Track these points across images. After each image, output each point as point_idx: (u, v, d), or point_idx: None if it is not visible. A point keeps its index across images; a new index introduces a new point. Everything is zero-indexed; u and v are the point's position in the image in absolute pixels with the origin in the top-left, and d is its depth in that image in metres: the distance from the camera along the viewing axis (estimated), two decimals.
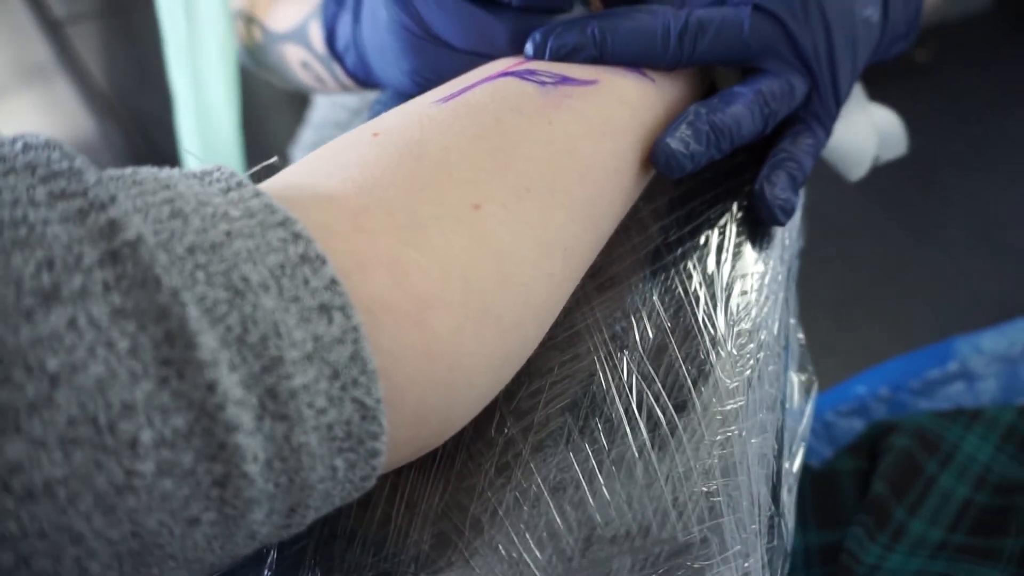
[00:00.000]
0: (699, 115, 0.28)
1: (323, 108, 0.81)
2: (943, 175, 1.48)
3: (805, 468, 0.45)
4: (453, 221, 0.21)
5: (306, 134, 0.82)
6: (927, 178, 1.47)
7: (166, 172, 0.18)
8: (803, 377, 0.30)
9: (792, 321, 0.30)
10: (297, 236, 0.17)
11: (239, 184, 0.18)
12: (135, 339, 0.14)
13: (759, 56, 0.30)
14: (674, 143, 0.27)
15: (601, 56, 0.29)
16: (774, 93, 0.30)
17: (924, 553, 0.34)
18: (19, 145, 0.16)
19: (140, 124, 1.29)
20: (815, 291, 1.31)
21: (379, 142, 0.22)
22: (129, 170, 0.18)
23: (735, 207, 0.31)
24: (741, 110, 0.29)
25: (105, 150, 1.29)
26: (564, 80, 0.27)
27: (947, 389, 0.48)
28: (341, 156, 0.22)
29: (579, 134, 0.25)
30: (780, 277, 0.29)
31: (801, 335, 0.32)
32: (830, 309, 1.29)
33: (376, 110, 0.39)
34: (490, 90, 0.25)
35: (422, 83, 0.33)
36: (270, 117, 1.28)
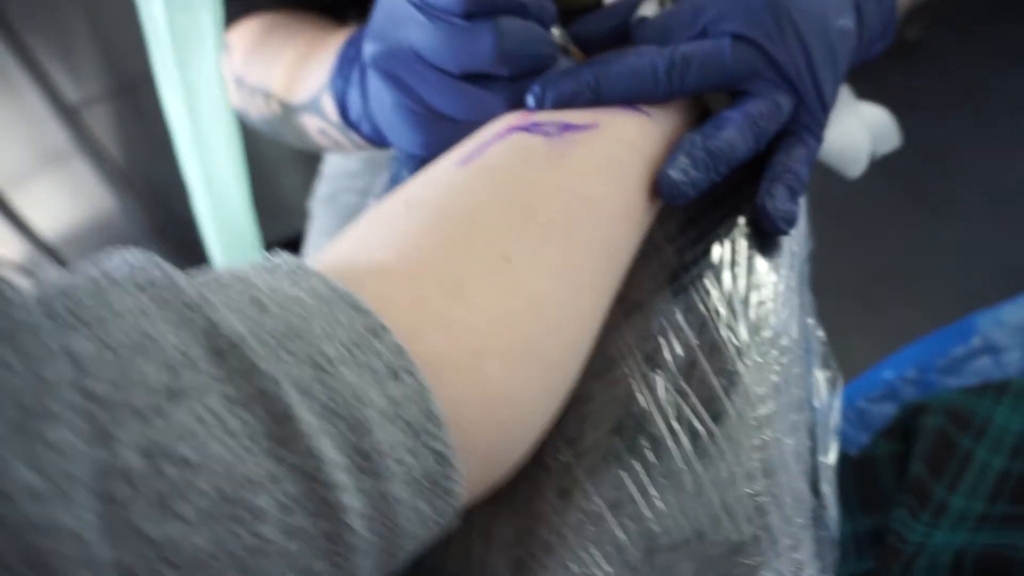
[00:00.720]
0: (694, 143, 0.30)
1: (335, 159, 0.84)
2: (949, 148, 1.48)
3: (844, 457, 0.46)
4: (489, 275, 0.23)
5: (322, 187, 0.85)
6: (934, 153, 1.47)
7: (241, 268, 0.20)
8: (828, 374, 0.32)
9: (810, 321, 0.32)
10: (360, 309, 0.19)
11: (301, 268, 0.21)
12: (247, 423, 0.16)
13: (744, 80, 0.32)
14: (675, 173, 0.29)
15: (597, 99, 0.31)
16: (762, 113, 0.32)
17: (967, 526, 0.35)
18: (124, 266, 0.18)
19: (157, 194, 1.34)
20: (839, 277, 1.32)
21: (413, 213, 0.25)
22: (210, 272, 0.20)
23: (742, 221, 0.33)
24: (733, 134, 0.31)
25: (126, 222, 1.34)
26: (566, 128, 0.29)
27: (973, 364, 0.49)
28: (382, 229, 0.25)
29: (587, 177, 0.27)
30: (793, 283, 0.31)
31: (821, 333, 0.34)
32: (856, 293, 1.30)
33: (396, 168, 0.41)
34: (502, 148, 0.28)
35: (434, 151, 0.36)
36: (279, 173, 1.32)
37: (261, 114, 0.54)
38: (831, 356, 0.33)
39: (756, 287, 0.30)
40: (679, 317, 0.29)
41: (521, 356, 0.22)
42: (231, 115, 0.52)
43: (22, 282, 0.17)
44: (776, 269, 0.31)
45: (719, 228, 0.33)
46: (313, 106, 0.46)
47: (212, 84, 0.49)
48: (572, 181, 0.27)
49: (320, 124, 0.47)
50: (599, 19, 0.36)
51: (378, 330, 0.19)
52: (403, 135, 0.36)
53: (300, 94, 0.47)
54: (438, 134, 0.35)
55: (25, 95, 1.10)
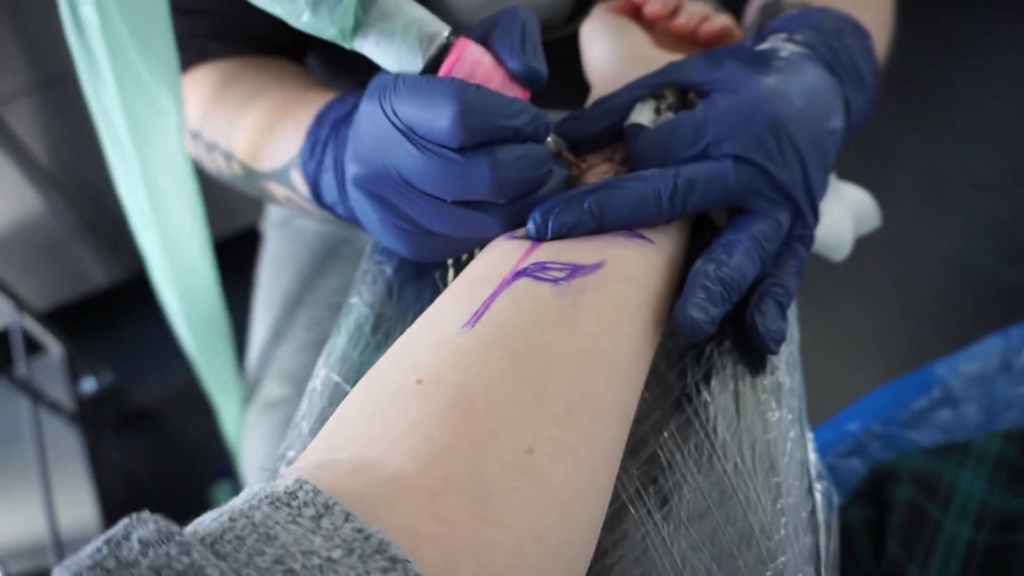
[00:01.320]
0: (707, 275, 0.30)
1: None
2: (882, 138, 1.53)
3: None
4: (514, 475, 0.22)
5: (274, 209, 0.81)
6: (868, 144, 1.51)
7: (261, 513, 0.19)
8: (822, 486, 0.33)
9: (809, 436, 0.33)
10: (395, 561, 0.18)
11: (326, 507, 0.19)
12: None
13: (744, 198, 0.32)
14: (695, 312, 0.29)
15: (600, 227, 0.30)
16: (767, 234, 0.32)
17: None
18: (136, 544, 0.17)
19: (86, 192, 1.26)
20: None
21: (425, 392, 0.23)
22: (227, 522, 0.19)
23: (735, 339, 0.33)
24: (743, 259, 0.31)
25: (55, 222, 1.26)
26: (574, 271, 0.28)
27: (935, 417, 0.51)
28: (391, 414, 0.23)
29: (600, 332, 0.27)
30: (794, 406, 0.31)
31: (814, 457, 0.34)
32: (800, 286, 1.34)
33: (377, 260, 0.40)
34: (510, 303, 0.27)
35: (423, 259, 0.34)
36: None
37: (220, 170, 0.50)
38: (824, 472, 0.34)
39: (761, 415, 0.30)
40: (691, 464, 0.29)
41: (549, 563, 0.22)
42: (196, 194, 0.49)
43: None
44: (777, 395, 0.31)
45: (719, 348, 0.32)
46: (280, 177, 0.43)
47: (175, 167, 0.45)
48: (585, 340, 0.26)
49: (286, 192, 0.44)
50: (590, 120, 0.35)
51: None
52: (391, 244, 0.34)
53: (266, 163, 0.44)
54: (428, 246, 0.33)
55: None
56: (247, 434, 0.70)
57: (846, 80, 0.36)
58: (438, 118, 0.27)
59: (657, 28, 0.45)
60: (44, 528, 0.96)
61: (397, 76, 0.29)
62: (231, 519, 0.19)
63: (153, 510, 0.18)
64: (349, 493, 0.20)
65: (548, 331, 0.26)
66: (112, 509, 1.02)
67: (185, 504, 1.13)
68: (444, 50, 0.29)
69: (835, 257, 0.40)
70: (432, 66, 0.29)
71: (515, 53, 0.30)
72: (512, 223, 0.31)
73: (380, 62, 0.30)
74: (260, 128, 0.44)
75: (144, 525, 0.17)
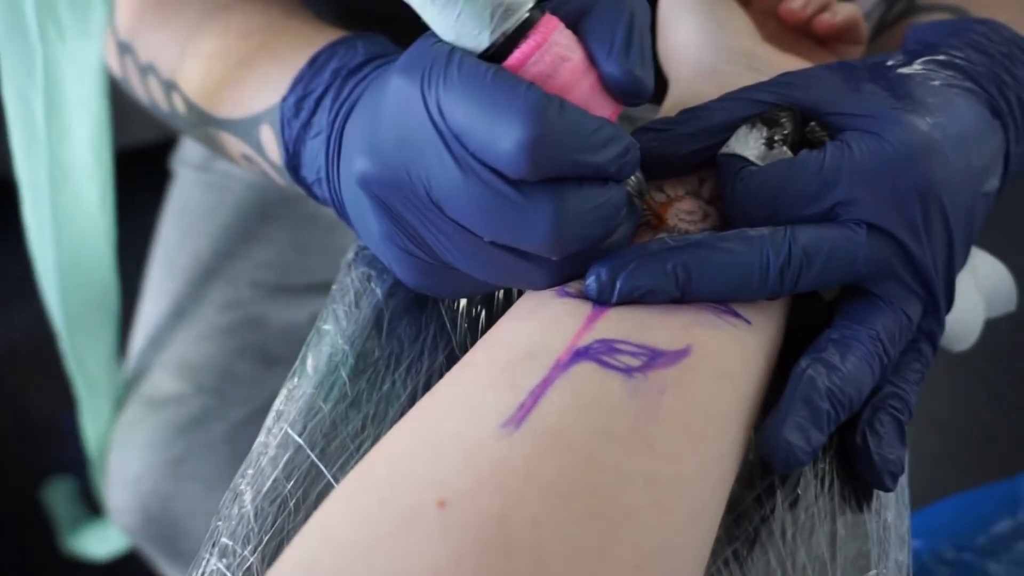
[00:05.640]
0: (814, 384, 0.28)
1: None
2: None
3: None
4: None
5: (191, 143, 0.76)
6: None
7: None
8: None
9: None
10: None
11: None
12: None
13: (872, 280, 0.30)
14: (794, 436, 0.27)
15: (683, 297, 0.28)
16: (892, 335, 0.30)
17: None
18: None
19: None
20: None
21: (449, 522, 0.21)
22: None
23: (832, 461, 0.31)
24: (859, 367, 0.29)
25: None
26: (652, 358, 0.26)
27: (1019, 547, 0.51)
28: (400, 547, 0.21)
29: (684, 453, 0.24)
30: (902, 560, 0.30)
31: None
32: None
33: (362, 271, 0.37)
34: (569, 398, 0.24)
35: (431, 292, 0.33)
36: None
37: (153, 101, 0.47)
38: None
39: (862, 572, 0.29)
40: None
41: None
42: (106, 119, 0.46)
43: None
44: (883, 545, 0.30)
45: (813, 469, 0.31)
46: (242, 130, 0.40)
47: (87, 78, 0.42)
48: (664, 465, 0.24)
49: (247, 151, 0.41)
50: (676, 139, 0.32)
51: None
52: (391, 266, 0.32)
53: (225, 108, 0.41)
54: (440, 282, 0.32)
55: None
56: (121, 435, 0.65)
57: (1011, 127, 0.34)
58: (500, 138, 0.24)
59: (758, 7, 0.43)
60: None
61: (452, 54, 0.26)
62: None
63: None
64: None
65: (618, 447, 0.23)
66: None
67: (9, 496, 1.06)
68: (523, 27, 0.26)
69: (956, 348, 0.39)
70: (502, 46, 0.26)
71: (615, 54, 0.27)
72: (562, 277, 0.29)
73: (434, 25, 0.26)
74: (224, 58, 0.41)
75: None
